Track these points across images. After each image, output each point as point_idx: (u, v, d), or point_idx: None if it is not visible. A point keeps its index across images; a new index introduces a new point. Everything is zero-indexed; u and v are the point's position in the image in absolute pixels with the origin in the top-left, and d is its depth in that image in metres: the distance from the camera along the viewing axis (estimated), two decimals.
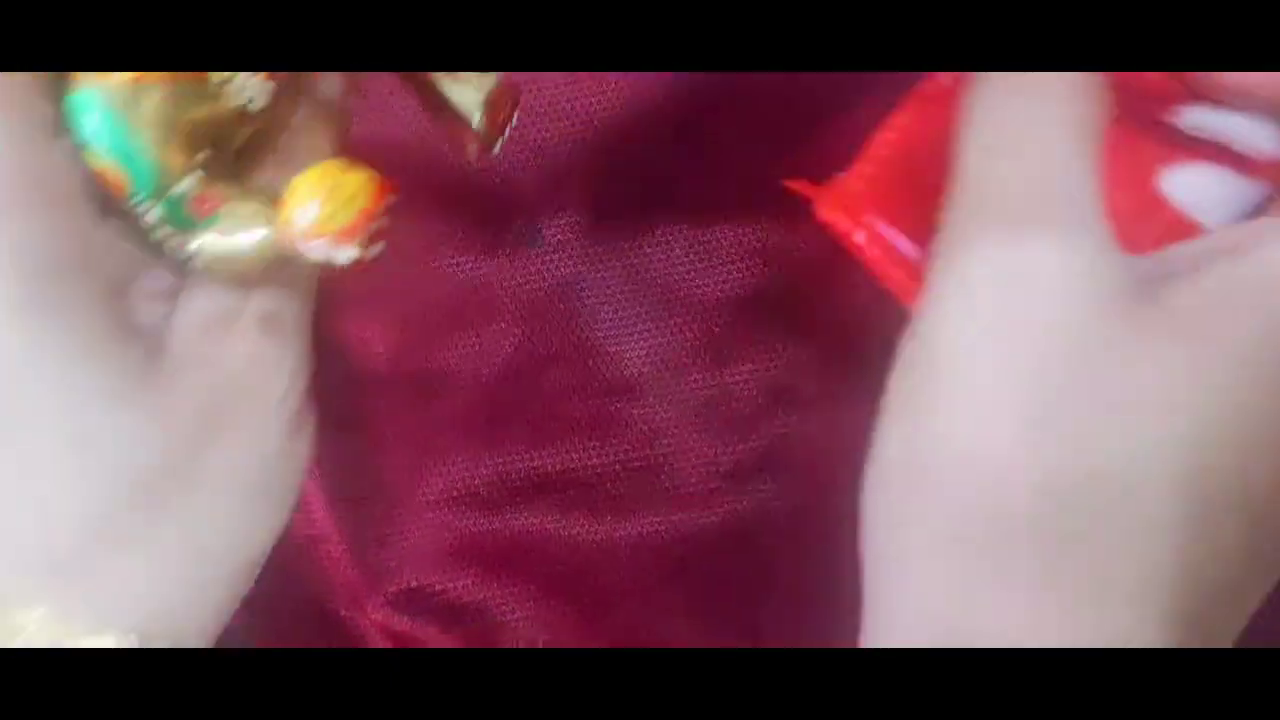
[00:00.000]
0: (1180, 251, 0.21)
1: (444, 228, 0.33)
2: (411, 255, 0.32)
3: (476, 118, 0.23)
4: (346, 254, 0.20)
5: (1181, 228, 0.23)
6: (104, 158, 0.20)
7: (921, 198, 0.24)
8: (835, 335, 0.33)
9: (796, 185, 0.26)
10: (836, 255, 0.34)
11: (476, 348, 0.33)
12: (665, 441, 0.33)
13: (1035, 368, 0.19)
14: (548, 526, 0.33)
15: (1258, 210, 0.24)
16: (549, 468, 0.33)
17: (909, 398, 0.21)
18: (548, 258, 0.33)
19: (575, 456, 0.33)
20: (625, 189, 0.33)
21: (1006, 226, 0.20)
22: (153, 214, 0.20)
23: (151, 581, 0.21)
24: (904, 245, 0.25)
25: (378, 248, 0.20)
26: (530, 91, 0.29)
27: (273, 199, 0.20)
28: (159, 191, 0.20)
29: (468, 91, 0.23)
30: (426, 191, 0.31)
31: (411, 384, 0.34)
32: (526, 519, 0.33)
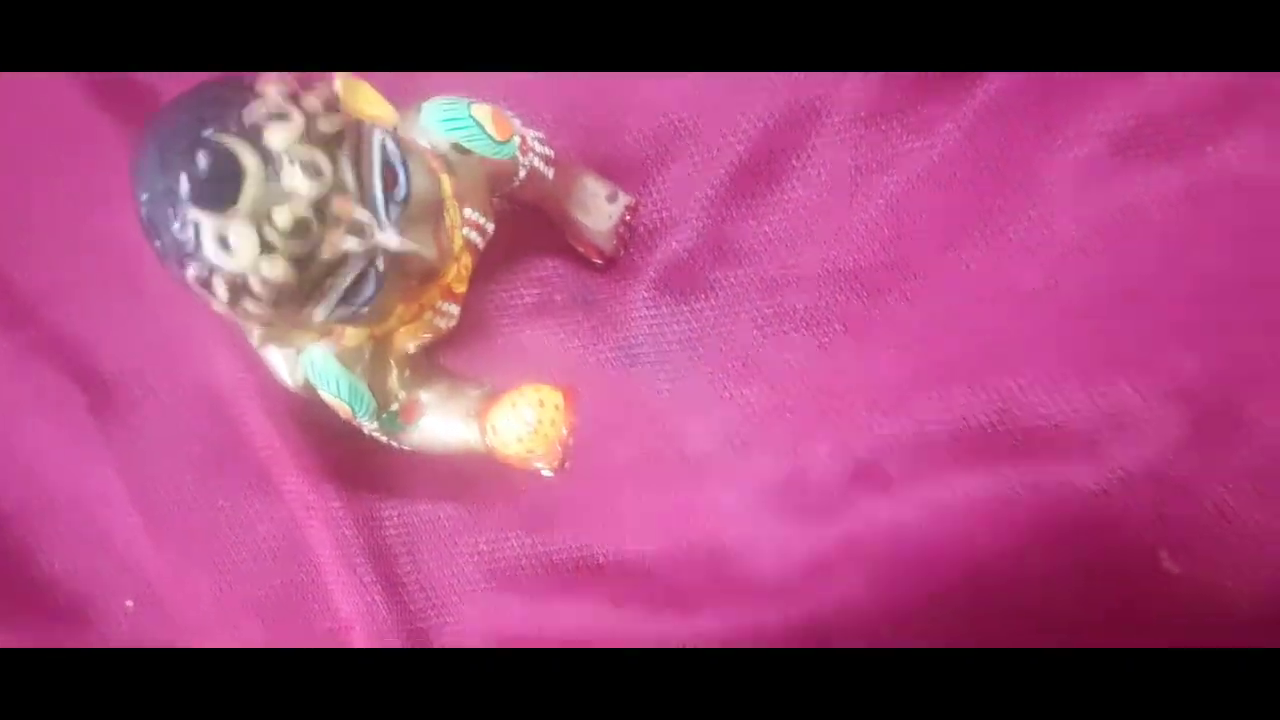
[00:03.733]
0: None
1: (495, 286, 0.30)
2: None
3: (610, 245, 0.29)
4: (544, 471, 0.23)
5: None
6: (333, 398, 0.23)
7: None
8: (930, 408, 0.29)
9: None
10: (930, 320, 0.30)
11: None
12: (732, 528, 0.29)
13: None
14: (596, 621, 0.29)
15: None
16: (599, 554, 0.29)
17: None
18: (600, 320, 0.30)
19: (629, 542, 0.29)
20: (691, 245, 0.30)
21: None
22: (369, 426, 0.24)
23: None
24: None
25: (568, 466, 0.23)
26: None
27: (473, 410, 0.23)
28: (376, 414, 0.23)
29: (602, 222, 0.29)
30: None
31: None
32: (572, 610, 0.29)
